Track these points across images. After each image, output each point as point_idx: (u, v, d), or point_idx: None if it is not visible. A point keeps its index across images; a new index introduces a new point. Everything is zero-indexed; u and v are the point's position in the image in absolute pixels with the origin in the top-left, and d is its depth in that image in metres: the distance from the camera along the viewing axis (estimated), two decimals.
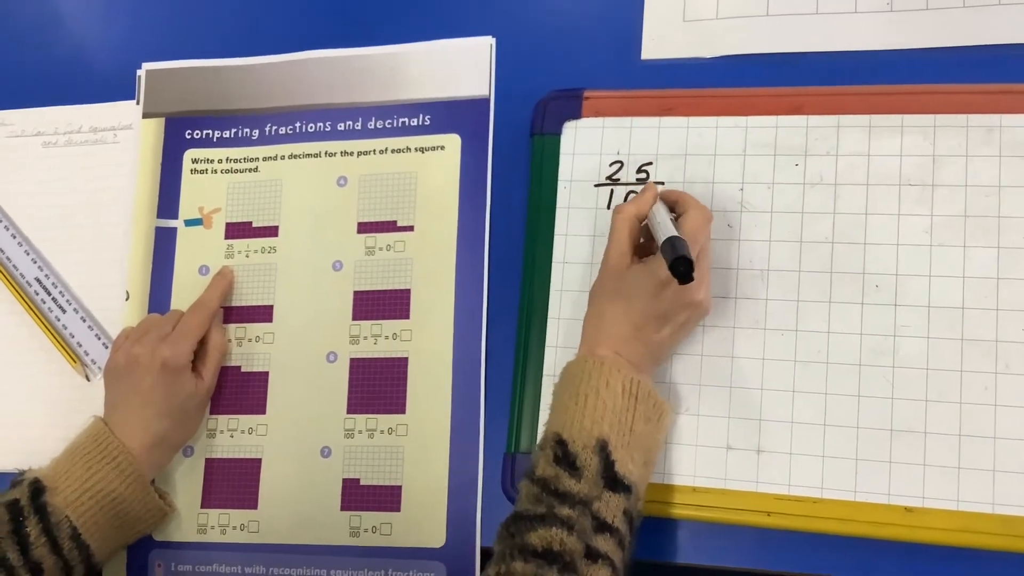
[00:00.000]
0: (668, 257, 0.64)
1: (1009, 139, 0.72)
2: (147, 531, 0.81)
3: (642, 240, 0.74)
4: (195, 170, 0.89)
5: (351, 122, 0.87)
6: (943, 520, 0.68)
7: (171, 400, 0.79)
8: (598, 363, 0.68)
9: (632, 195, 0.78)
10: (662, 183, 0.78)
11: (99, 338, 0.88)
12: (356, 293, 0.84)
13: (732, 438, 0.73)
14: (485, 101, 0.85)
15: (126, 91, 0.93)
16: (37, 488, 0.73)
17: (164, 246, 0.88)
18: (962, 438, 0.69)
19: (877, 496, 0.69)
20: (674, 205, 0.73)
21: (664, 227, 0.68)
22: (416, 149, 0.85)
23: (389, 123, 0.86)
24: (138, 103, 0.92)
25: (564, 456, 0.65)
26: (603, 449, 0.65)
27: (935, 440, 0.69)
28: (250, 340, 0.85)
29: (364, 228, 0.85)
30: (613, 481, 0.65)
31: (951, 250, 0.72)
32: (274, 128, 0.89)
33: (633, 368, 0.69)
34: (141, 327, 0.82)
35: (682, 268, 0.63)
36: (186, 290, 0.86)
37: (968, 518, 0.68)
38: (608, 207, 0.79)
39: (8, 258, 0.91)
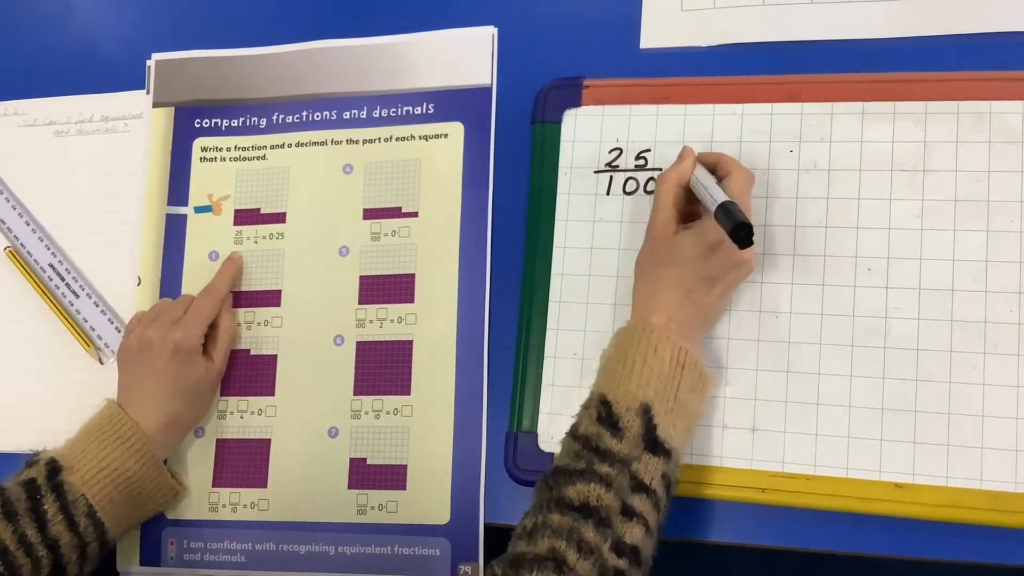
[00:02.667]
0: (726, 224, 0.65)
1: (999, 125, 0.74)
2: (160, 509, 0.83)
3: (685, 205, 0.75)
4: (204, 158, 0.91)
5: (356, 111, 0.89)
6: (932, 496, 0.70)
7: (183, 382, 0.81)
8: (648, 330, 0.69)
9: (631, 181, 0.80)
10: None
11: (112, 322, 0.90)
12: (362, 278, 0.86)
13: (728, 417, 0.75)
14: (487, 90, 0.87)
15: (136, 81, 0.95)
16: (54, 467, 0.76)
17: (175, 232, 0.90)
18: (951, 416, 0.71)
19: (868, 473, 0.71)
20: (714, 167, 0.74)
21: (712, 190, 0.69)
22: (420, 137, 0.87)
23: (394, 111, 0.88)
24: (148, 93, 0.94)
25: (607, 416, 0.67)
26: (646, 412, 0.67)
27: (925, 418, 0.71)
28: (259, 324, 0.87)
29: (370, 214, 0.87)
30: (654, 444, 0.66)
31: (942, 234, 0.73)
32: (281, 117, 0.90)
33: (683, 336, 0.70)
34: (153, 311, 0.85)
35: (742, 233, 0.65)
36: (196, 275, 0.88)
37: (957, 494, 0.70)
38: (607, 193, 0.81)
39: (22, 244, 0.93)
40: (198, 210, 0.90)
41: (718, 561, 1.01)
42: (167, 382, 0.81)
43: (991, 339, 0.71)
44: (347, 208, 0.87)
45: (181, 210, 0.90)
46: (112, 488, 0.77)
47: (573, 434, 0.68)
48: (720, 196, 0.68)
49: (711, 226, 0.69)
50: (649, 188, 0.80)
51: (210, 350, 0.84)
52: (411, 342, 0.84)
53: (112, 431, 0.78)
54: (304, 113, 0.90)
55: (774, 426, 0.74)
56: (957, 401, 0.71)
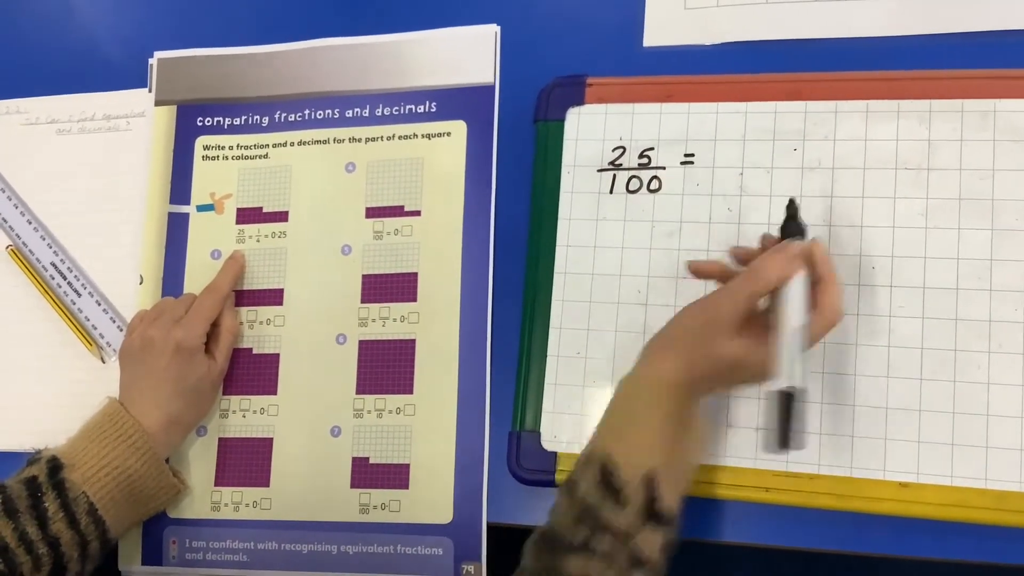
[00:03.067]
0: (776, 429, 0.63)
1: (1003, 123, 0.74)
2: (161, 508, 0.83)
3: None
4: (207, 156, 0.91)
5: (359, 109, 0.89)
6: (937, 495, 0.70)
7: (184, 381, 0.81)
8: (663, 388, 0.66)
9: (634, 179, 0.80)
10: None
11: (114, 321, 0.90)
12: (364, 276, 0.86)
13: (732, 416, 0.75)
14: (490, 88, 0.87)
15: (138, 79, 0.95)
16: (55, 465, 0.75)
17: (177, 231, 0.90)
18: (956, 415, 0.71)
19: (872, 472, 0.71)
20: (816, 279, 0.66)
21: (791, 338, 0.63)
22: (423, 135, 0.87)
23: (396, 110, 0.88)
24: (150, 91, 0.94)
25: (609, 483, 0.64)
26: (650, 483, 0.64)
27: (929, 417, 0.71)
28: (261, 323, 0.87)
29: (372, 213, 0.87)
30: (656, 516, 0.64)
31: (946, 232, 0.73)
32: (284, 115, 0.90)
33: (694, 395, 0.67)
34: (155, 310, 0.84)
35: (784, 445, 0.63)
36: (198, 274, 0.88)
37: (961, 493, 0.69)
38: (611, 192, 0.80)
39: (24, 243, 0.93)
40: (200, 209, 0.90)
41: (721, 560, 1.00)
42: (169, 381, 0.81)
43: (996, 338, 0.71)
44: (349, 207, 0.87)
45: (183, 209, 0.90)
46: (113, 486, 0.77)
47: (571, 493, 0.65)
48: (795, 373, 0.62)
49: (765, 359, 0.64)
50: (653, 187, 0.79)
51: (212, 349, 0.84)
52: (413, 341, 0.83)
53: (113, 429, 0.78)
54: (306, 111, 0.90)
55: None
56: (962, 400, 0.71)
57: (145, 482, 0.79)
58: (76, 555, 0.75)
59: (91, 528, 0.75)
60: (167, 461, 0.82)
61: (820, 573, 1.00)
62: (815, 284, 0.66)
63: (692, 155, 0.79)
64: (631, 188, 0.80)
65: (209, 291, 0.85)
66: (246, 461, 0.85)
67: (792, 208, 0.69)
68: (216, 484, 0.85)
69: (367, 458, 0.82)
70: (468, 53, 0.88)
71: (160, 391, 0.81)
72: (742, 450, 0.74)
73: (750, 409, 0.74)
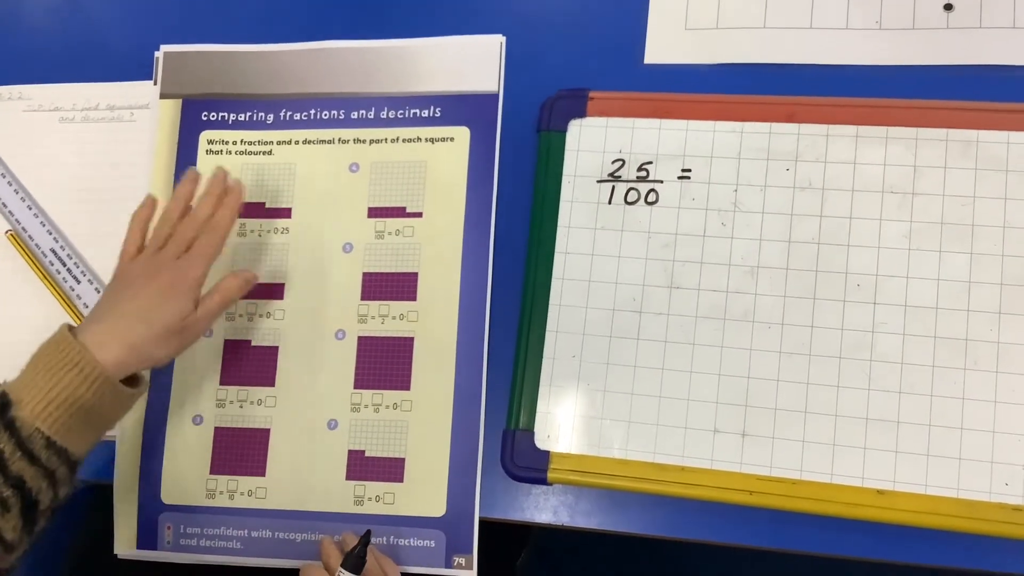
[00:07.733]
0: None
1: (985, 153, 0.78)
2: (122, 418, 0.79)
3: None
4: (210, 151, 0.92)
5: (364, 111, 0.91)
6: (912, 503, 0.74)
7: (163, 318, 0.77)
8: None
9: (632, 191, 0.83)
10: None
11: None
12: (365, 274, 0.88)
13: (719, 422, 0.78)
14: (494, 97, 0.89)
15: (143, 71, 0.96)
16: (4, 402, 0.72)
17: None
18: (932, 428, 0.75)
19: (852, 479, 0.75)
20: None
21: None
22: (426, 139, 0.89)
23: (401, 113, 0.90)
24: (155, 84, 0.95)
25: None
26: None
27: (907, 429, 0.75)
28: (261, 316, 0.89)
29: (374, 213, 0.89)
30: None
31: (928, 254, 0.77)
32: (289, 114, 0.92)
33: None
34: (159, 236, 0.82)
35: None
36: None
37: (934, 501, 0.73)
38: (609, 202, 0.83)
39: (24, 228, 0.94)
40: None
41: (705, 559, 1.04)
42: (146, 311, 0.77)
43: (971, 356, 0.75)
44: (352, 206, 0.89)
45: None
46: (67, 416, 0.73)
47: None
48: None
49: None
50: (650, 199, 0.83)
51: (204, 298, 0.80)
52: (412, 339, 0.86)
53: (60, 357, 0.74)
54: (312, 111, 0.92)
55: (764, 432, 0.77)
56: (938, 413, 0.75)
57: (100, 406, 0.74)
58: (44, 485, 0.72)
59: (53, 459, 0.72)
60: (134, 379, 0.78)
61: (798, 571, 1.04)
62: None
63: (689, 170, 0.83)
64: (629, 200, 0.83)
65: (210, 231, 0.81)
66: (242, 451, 0.86)
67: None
68: (212, 472, 0.86)
69: (363, 451, 0.84)
70: (473, 61, 0.90)
71: (134, 317, 0.76)
72: (728, 454, 0.77)
73: (736, 415, 0.78)
